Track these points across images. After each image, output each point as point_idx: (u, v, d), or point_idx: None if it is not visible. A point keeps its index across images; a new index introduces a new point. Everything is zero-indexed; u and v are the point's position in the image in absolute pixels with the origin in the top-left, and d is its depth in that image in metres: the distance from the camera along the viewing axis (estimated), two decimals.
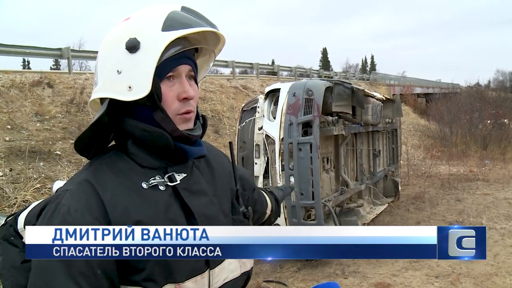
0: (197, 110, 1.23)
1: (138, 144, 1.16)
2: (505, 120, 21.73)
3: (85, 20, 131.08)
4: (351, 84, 6.59)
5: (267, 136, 5.97)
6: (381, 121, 8.47)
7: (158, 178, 1.14)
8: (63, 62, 24.41)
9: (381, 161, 9.13)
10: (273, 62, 44.05)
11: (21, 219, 2.73)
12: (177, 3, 1.16)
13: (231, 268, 1.23)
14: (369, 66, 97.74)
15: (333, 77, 25.27)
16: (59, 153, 7.76)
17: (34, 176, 6.73)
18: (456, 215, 8.14)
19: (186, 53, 1.17)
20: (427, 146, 20.14)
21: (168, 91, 1.14)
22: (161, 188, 1.14)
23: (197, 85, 1.23)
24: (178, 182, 1.15)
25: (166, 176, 1.15)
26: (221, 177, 1.32)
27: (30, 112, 8.76)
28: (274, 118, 5.96)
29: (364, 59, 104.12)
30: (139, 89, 1.08)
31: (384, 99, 8.70)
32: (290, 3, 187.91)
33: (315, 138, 5.45)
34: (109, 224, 1.06)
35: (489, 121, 21.29)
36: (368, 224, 7.45)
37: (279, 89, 6.10)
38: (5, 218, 2.70)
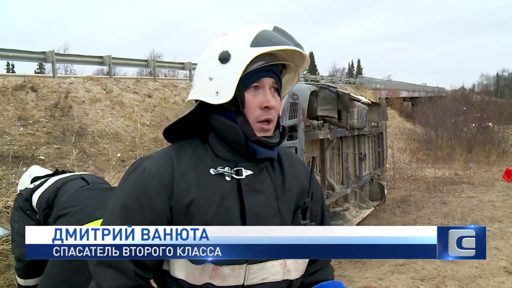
0: (278, 121, 1.35)
1: (218, 137, 1.30)
2: (490, 124, 21.98)
3: (84, 20, 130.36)
4: (336, 88, 6.61)
5: None
6: (367, 125, 8.50)
7: (227, 169, 1.27)
8: (48, 66, 24.22)
9: (367, 164, 9.15)
10: None
11: (35, 197, 2.73)
12: (271, 24, 1.30)
13: (272, 271, 1.26)
14: (355, 70, 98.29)
15: (320, 81, 25.35)
16: (42, 158, 7.67)
17: (17, 181, 6.62)
18: (442, 218, 8.19)
19: (272, 68, 1.30)
20: (413, 149, 20.28)
21: (252, 99, 1.27)
22: (227, 178, 1.26)
23: (281, 99, 1.36)
24: (243, 177, 1.26)
25: (234, 169, 1.27)
26: (292, 186, 1.37)
27: (13, 116, 8.64)
28: None
29: (350, 63, 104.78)
30: (224, 95, 1.23)
31: (370, 103, 8.73)
32: (284, 6, 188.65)
33: (300, 142, 5.44)
34: (172, 193, 1.21)
35: (473, 125, 21.50)
36: None
37: None
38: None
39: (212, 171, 1.25)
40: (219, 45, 1.27)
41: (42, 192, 2.57)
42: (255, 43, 1.22)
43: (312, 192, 1.41)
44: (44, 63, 19.10)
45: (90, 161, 8.33)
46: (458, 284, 5.09)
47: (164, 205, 1.20)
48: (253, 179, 1.28)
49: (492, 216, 8.17)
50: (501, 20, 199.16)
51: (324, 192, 6.82)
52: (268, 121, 1.28)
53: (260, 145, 1.28)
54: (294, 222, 1.32)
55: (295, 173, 1.40)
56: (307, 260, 1.34)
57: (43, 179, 2.78)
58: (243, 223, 1.23)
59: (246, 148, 1.27)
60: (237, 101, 1.25)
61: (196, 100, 1.31)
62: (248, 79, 1.25)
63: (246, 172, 1.27)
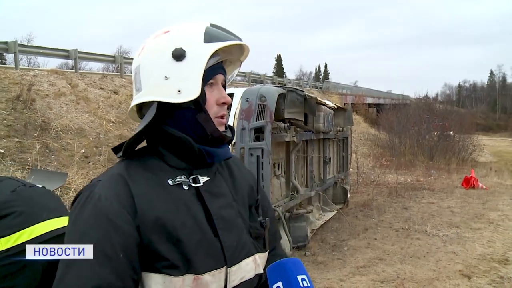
0: None
1: (167, 146, 1.26)
2: (451, 132, 22.61)
3: (56, 16, 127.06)
4: (304, 91, 6.68)
5: None
6: (332, 129, 8.62)
7: (184, 178, 1.23)
8: (10, 57, 23.52)
9: (331, 168, 9.27)
10: None
11: None
12: (206, 21, 1.28)
13: (247, 269, 1.27)
14: (322, 74, 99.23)
15: (287, 84, 25.49)
16: (2, 151, 7.47)
17: None
18: (402, 223, 8.38)
19: (221, 63, 1.30)
20: (376, 155, 20.66)
21: (209, 96, 1.25)
22: (185, 187, 1.23)
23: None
24: (201, 184, 1.24)
25: (191, 177, 1.24)
26: (242, 186, 1.38)
27: None
28: None
29: (317, 68, 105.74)
30: (189, 93, 1.19)
31: (336, 107, 8.86)
32: (269, 13, 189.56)
33: (266, 143, 5.48)
34: (135, 213, 1.13)
35: (436, 133, 22.08)
36: (317, 230, 7.55)
37: (233, 94, 6.11)
38: None
39: (170, 181, 1.21)
40: (168, 42, 1.23)
41: None
42: (208, 39, 1.21)
43: (265, 197, 1.46)
44: (5, 54, 18.44)
45: (53, 156, 8.15)
46: (416, 286, 5.23)
47: (130, 226, 1.12)
48: (210, 184, 1.27)
49: (451, 222, 8.42)
50: (465, 36, 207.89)
51: (289, 194, 6.88)
52: (223, 116, 1.29)
53: (217, 141, 1.27)
54: (251, 219, 1.35)
55: (241, 173, 1.43)
56: (267, 253, 1.37)
57: None
58: (212, 228, 1.21)
59: (200, 154, 1.24)
60: (199, 98, 1.22)
61: (140, 106, 1.29)
62: (205, 76, 1.22)
63: (203, 179, 1.25)
